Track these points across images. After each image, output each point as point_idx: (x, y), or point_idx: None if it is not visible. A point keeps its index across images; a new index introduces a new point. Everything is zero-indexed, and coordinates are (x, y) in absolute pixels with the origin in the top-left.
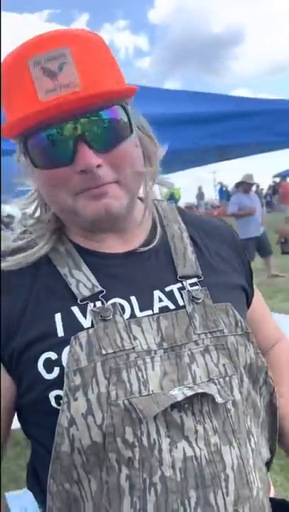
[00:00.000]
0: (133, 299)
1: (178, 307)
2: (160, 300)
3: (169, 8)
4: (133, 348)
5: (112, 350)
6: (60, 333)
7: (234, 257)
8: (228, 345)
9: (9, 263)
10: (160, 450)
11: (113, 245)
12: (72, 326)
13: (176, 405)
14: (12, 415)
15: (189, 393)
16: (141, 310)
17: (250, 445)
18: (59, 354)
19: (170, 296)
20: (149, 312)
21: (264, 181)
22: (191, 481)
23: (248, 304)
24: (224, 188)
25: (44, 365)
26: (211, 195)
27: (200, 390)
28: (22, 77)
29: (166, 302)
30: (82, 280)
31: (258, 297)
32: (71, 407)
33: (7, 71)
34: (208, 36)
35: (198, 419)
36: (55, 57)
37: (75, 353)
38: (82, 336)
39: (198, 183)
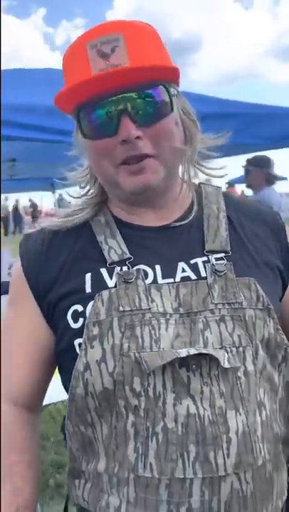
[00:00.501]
0: (157, 267)
1: (199, 278)
2: (183, 270)
3: (127, 10)
4: (149, 308)
5: (129, 308)
6: (88, 289)
7: (272, 239)
8: (245, 318)
9: (50, 223)
10: (164, 403)
11: (149, 219)
12: (99, 285)
13: (185, 365)
14: (53, 367)
15: (192, 352)
16: (163, 278)
17: (260, 416)
18: (84, 307)
19: (194, 267)
20: (171, 280)
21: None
22: (192, 436)
23: (285, 284)
24: None
25: (72, 316)
26: None
27: (204, 351)
28: (80, 59)
29: (189, 273)
30: (114, 247)
31: None
32: (88, 353)
33: (70, 55)
34: (167, 40)
35: (206, 381)
36: (108, 41)
37: (97, 307)
38: (105, 293)
39: None
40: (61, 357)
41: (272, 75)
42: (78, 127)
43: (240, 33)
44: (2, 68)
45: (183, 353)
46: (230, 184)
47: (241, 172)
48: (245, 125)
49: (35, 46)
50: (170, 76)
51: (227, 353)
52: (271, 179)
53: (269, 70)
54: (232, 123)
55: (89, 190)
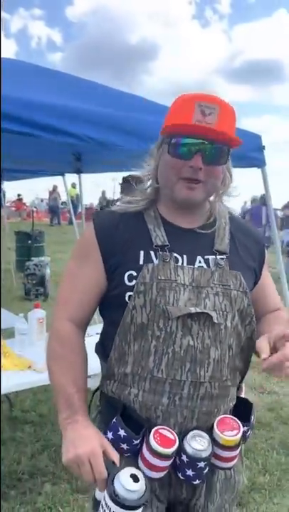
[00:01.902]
0: (184, 256)
1: (208, 267)
2: (199, 262)
3: (86, 8)
4: (175, 280)
5: (163, 278)
6: (141, 261)
7: (256, 251)
8: (231, 295)
9: (118, 207)
10: (175, 336)
11: (181, 221)
12: (148, 260)
13: (191, 316)
14: (97, 303)
15: (198, 310)
16: (187, 264)
17: (228, 354)
18: (138, 273)
19: (206, 261)
20: (191, 266)
21: None
22: (188, 357)
23: (255, 281)
24: None
25: (128, 277)
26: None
27: (206, 311)
28: (188, 109)
29: (203, 264)
30: (159, 235)
31: (265, 279)
32: (136, 300)
33: (181, 102)
34: (124, 45)
35: (201, 327)
36: (209, 107)
37: (144, 274)
38: (150, 265)
39: (101, 188)
40: (110, 299)
41: (220, 94)
42: (165, 145)
43: (194, 49)
44: None
45: (193, 310)
46: None
47: None
48: None
49: None
50: (233, 143)
51: (217, 314)
52: None
53: (218, 89)
54: None
55: (148, 187)
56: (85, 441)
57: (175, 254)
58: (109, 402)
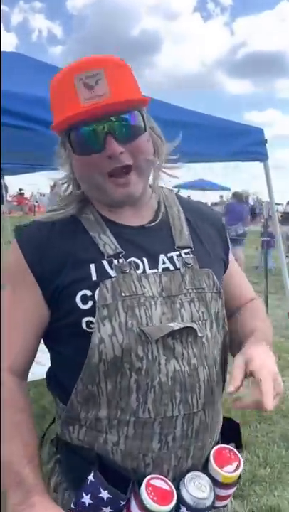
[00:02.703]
0: (145, 260)
1: (175, 269)
2: (163, 262)
3: (87, 1)
4: (143, 293)
5: (128, 294)
6: (94, 277)
7: (217, 236)
8: (206, 298)
9: (40, 217)
10: (159, 363)
11: (128, 218)
12: (103, 274)
13: (171, 334)
14: (40, 339)
15: (181, 325)
16: (150, 268)
17: (215, 368)
18: (93, 292)
19: (171, 260)
20: (155, 270)
21: None
22: (178, 386)
23: (225, 269)
24: None
25: (81, 299)
26: None
27: (188, 325)
28: (69, 89)
29: (168, 264)
30: (108, 242)
31: (232, 266)
32: (101, 330)
33: (58, 84)
34: (125, 38)
35: (184, 346)
36: (93, 75)
37: (103, 293)
38: (108, 282)
39: None
40: (59, 330)
41: (223, 87)
42: (67, 144)
43: (196, 42)
44: None
45: (175, 326)
46: (178, 189)
47: (189, 178)
48: (202, 135)
49: None
50: (141, 104)
51: (197, 325)
52: None
53: (221, 82)
54: (192, 132)
55: (71, 192)
56: None
57: (134, 260)
58: (75, 452)
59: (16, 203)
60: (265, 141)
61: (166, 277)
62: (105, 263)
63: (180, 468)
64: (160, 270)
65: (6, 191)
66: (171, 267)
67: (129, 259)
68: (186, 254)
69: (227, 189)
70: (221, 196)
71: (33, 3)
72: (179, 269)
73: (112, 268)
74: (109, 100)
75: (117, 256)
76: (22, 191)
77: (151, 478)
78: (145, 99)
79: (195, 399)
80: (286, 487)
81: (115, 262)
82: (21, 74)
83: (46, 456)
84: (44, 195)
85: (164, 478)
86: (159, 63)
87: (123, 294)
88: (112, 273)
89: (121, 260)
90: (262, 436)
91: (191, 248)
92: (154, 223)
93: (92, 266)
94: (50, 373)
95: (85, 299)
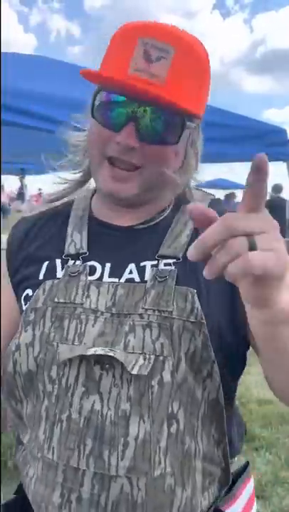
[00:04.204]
0: (108, 265)
1: (142, 281)
2: (130, 272)
3: (104, 1)
4: (81, 303)
5: (63, 300)
6: (41, 276)
7: None
8: (172, 328)
9: (31, 211)
10: (73, 394)
11: (120, 218)
12: (50, 274)
13: (100, 363)
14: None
15: (99, 352)
16: (109, 276)
17: (168, 428)
18: (34, 292)
19: (141, 270)
20: (116, 280)
21: None
22: (91, 431)
23: (236, 307)
24: None
25: (24, 299)
26: None
27: (110, 353)
28: (127, 47)
29: (135, 275)
30: (76, 241)
31: None
32: (21, 336)
33: (120, 36)
34: None
35: (117, 382)
36: (159, 48)
37: (38, 295)
38: (48, 283)
39: None
40: None
41: (242, 85)
42: (92, 103)
43: (215, 40)
44: None
45: (90, 351)
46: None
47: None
48: (229, 136)
49: (8, 25)
50: (191, 116)
51: (145, 359)
52: None
53: (240, 80)
54: (222, 131)
55: (79, 172)
56: None
57: (93, 264)
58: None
59: (35, 203)
60: (288, 141)
61: (123, 290)
62: (58, 262)
63: None
64: (122, 280)
65: (26, 191)
66: (137, 279)
67: (88, 262)
68: (165, 265)
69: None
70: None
71: (52, 3)
72: (146, 281)
73: (62, 269)
74: (159, 89)
75: (76, 256)
76: (41, 191)
77: None
78: (197, 115)
79: (114, 458)
80: None
81: (70, 262)
82: (45, 75)
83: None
84: None
85: None
86: None
87: (56, 300)
88: (60, 274)
89: (78, 262)
90: (283, 438)
91: (177, 259)
92: (147, 224)
93: (45, 264)
94: None
95: (26, 299)
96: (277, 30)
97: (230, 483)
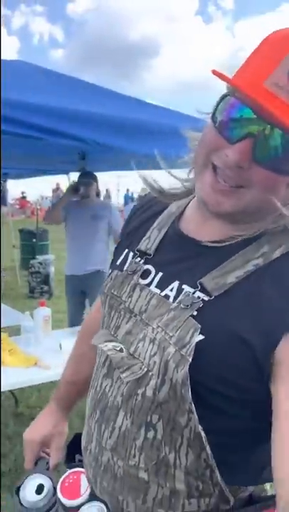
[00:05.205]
0: (159, 275)
1: (168, 301)
2: (171, 289)
3: (87, 5)
4: (124, 301)
5: (116, 293)
6: (118, 262)
7: (271, 323)
8: (164, 351)
9: (149, 198)
10: (100, 372)
11: (200, 229)
12: (122, 264)
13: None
14: None
15: (105, 349)
16: (156, 286)
17: (145, 433)
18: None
19: (179, 291)
20: (158, 291)
21: None
22: (101, 405)
23: (247, 368)
24: (130, 195)
25: (108, 274)
26: (114, 199)
27: (109, 353)
28: (271, 58)
29: (172, 293)
30: (151, 238)
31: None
32: (101, 309)
33: (272, 42)
34: (125, 41)
35: (118, 377)
36: None
37: (107, 281)
38: (114, 273)
39: (104, 186)
40: None
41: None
42: (217, 103)
43: (197, 45)
44: None
45: (104, 346)
46: None
47: None
48: None
49: None
50: None
51: (140, 369)
52: (98, 193)
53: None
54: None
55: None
56: (35, 427)
57: (149, 268)
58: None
59: (18, 207)
60: None
61: (155, 301)
62: (131, 255)
63: (93, 489)
64: (161, 294)
65: (8, 195)
66: (171, 298)
67: (146, 266)
68: (198, 297)
69: None
70: None
71: (35, 6)
72: (172, 302)
73: (130, 262)
74: None
75: (142, 255)
76: (24, 194)
77: (77, 472)
78: None
79: (106, 434)
80: None
81: (137, 259)
82: (23, 81)
83: None
84: (47, 199)
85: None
86: (159, 66)
87: (112, 292)
88: (126, 266)
89: (140, 261)
90: None
91: (210, 296)
92: (215, 244)
93: (125, 252)
94: None
95: (109, 275)
96: (259, 36)
97: (231, 503)
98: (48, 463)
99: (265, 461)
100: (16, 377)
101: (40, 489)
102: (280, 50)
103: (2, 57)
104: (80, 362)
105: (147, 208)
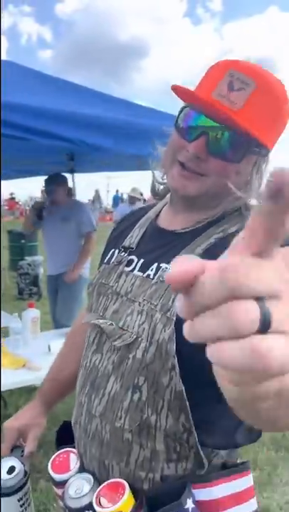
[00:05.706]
0: (141, 261)
1: (153, 278)
2: (151, 270)
3: (76, 6)
4: (112, 286)
5: (104, 282)
6: (105, 260)
7: None
8: (153, 318)
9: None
10: (89, 349)
11: (172, 222)
12: (109, 259)
13: (103, 333)
14: None
15: (97, 323)
16: (138, 270)
17: (132, 395)
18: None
19: (158, 270)
20: (140, 274)
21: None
22: (91, 378)
23: None
24: (120, 195)
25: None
26: (104, 199)
27: (102, 325)
28: (217, 75)
29: (152, 273)
30: (134, 236)
31: None
32: (88, 300)
33: (216, 66)
34: (114, 42)
35: (111, 348)
36: (242, 81)
37: (96, 275)
38: (103, 267)
39: (94, 186)
40: None
41: None
42: (178, 114)
43: (186, 47)
44: None
45: (97, 322)
46: None
47: None
48: None
49: None
50: (263, 141)
51: (129, 337)
52: (70, 193)
53: None
54: None
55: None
56: (15, 417)
57: (132, 258)
58: None
59: (7, 208)
60: None
61: (138, 282)
62: (116, 252)
63: (82, 462)
64: (143, 275)
65: None
66: (152, 276)
67: (130, 256)
68: None
69: None
70: None
71: (23, 6)
72: (153, 278)
73: (116, 256)
74: (234, 114)
75: (126, 249)
76: (13, 195)
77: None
78: (265, 145)
79: (96, 402)
80: (275, 489)
81: (122, 253)
82: (11, 83)
83: None
84: (36, 199)
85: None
86: (148, 68)
87: (101, 281)
88: (112, 260)
89: (124, 254)
90: None
91: None
92: (186, 230)
93: (112, 251)
94: None
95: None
96: (246, 38)
97: (205, 468)
98: (23, 451)
99: (238, 424)
100: (5, 378)
101: (11, 470)
102: (222, 70)
103: None
104: (65, 361)
105: (131, 215)
